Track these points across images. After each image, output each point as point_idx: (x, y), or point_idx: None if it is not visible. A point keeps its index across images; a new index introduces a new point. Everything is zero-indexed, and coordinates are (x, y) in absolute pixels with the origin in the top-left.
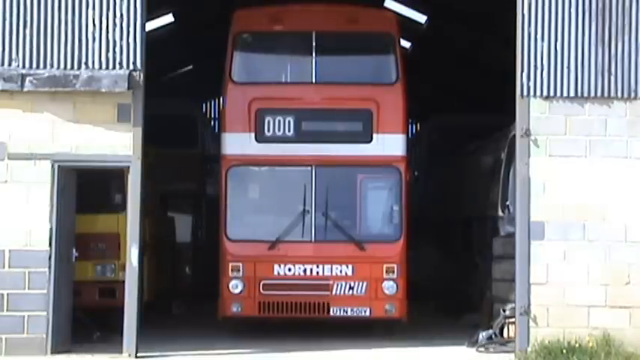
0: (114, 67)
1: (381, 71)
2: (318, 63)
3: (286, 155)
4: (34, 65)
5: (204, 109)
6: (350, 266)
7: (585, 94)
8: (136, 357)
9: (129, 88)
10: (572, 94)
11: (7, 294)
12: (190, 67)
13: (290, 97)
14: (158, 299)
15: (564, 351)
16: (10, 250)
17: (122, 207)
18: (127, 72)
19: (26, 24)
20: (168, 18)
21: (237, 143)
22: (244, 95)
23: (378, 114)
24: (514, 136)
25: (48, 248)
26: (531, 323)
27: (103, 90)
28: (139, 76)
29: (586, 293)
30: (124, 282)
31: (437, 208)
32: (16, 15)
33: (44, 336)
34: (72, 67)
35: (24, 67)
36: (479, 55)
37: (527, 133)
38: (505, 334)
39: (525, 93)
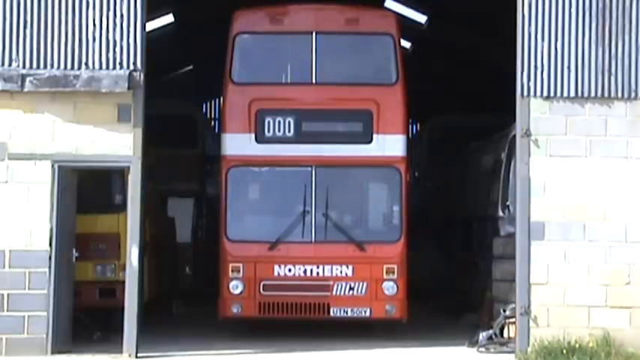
0: (114, 67)
1: (381, 72)
2: (318, 63)
3: (286, 156)
4: (35, 65)
5: (204, 110)
6: (350, 267)
7: (585, 94)
8: (136, 357)
9: (129, 88)
10: (572, 94)
11: (8, 294)
12: (190, 67)
13: (290, 97)
14: (158, 299)
15: (564, 351)
16: (10, 251)
17: (122, 207)
18: (127, 72)
19: (26, 24)
20: (169, 18)
21: (237, 144)
22: (244, 96)
23: (378, 114)
24: (514, 136)
25: (48, 248)
26: (531, 323)
27: (104, 90)
28: (139, 76)
29: (586, 293)
30: (124, 282)
31: (437, 209)
32: (16, 15)
33: (44, 336)
34: (72, 68)
35: (24, 67)
36: (479, 55)
37: (527, 133)
38: (505, 334)
39: (525, 93)
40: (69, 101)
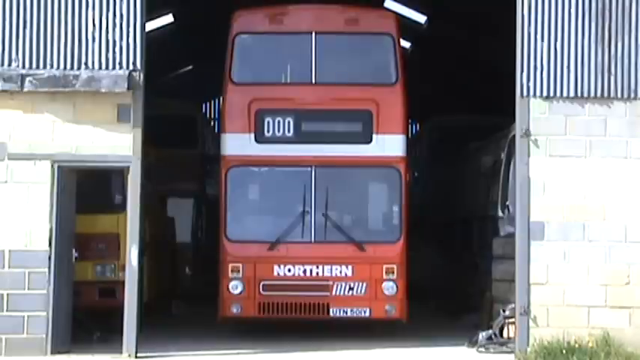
0: (114, 68)
1: (380, 72)
2: (318, 63)
3: (286, 156)
4: (34, 65)
5: (204, 110)
6: (350, 267)
7: (585, 94)
8: (136, 357)
9: (129, 88)
10: (572, 94)
11: (7, 294)
12: (190, 67)
13: (290, 97)
14: (158, 299)
15: (564, 351)
16: (10, 250)
17: (122, 207)
18: (127, 72)
19: (26, 24)
20: (168, 18)
21: (237, 144)
22: (244, 96)
23: (378, 114)
24: (514, 136)
25: (48, 248)
26: (531, 323)
27: (103, 90)
28: (139, 76)
29: (586, 293)
30: (123, 282)
31: (437, 209)
32: (16, 15)
33: (44, 336)
34: (72, 68)
35: (24, 67)
36: (479, 55)
37: (527, 133)
38: (505, 335)
39: (525, 93)
40: (68, 101)
